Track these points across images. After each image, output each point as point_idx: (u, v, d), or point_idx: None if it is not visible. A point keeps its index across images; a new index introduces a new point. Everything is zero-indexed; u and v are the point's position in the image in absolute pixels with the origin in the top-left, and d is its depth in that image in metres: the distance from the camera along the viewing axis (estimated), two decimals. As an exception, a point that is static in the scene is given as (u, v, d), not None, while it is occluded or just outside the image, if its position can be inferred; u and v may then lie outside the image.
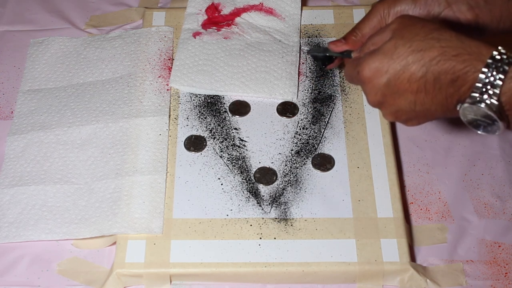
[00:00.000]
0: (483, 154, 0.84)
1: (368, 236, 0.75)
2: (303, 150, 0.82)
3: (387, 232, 0.75)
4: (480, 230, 0.78)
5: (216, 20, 0.93)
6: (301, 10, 0.95)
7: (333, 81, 0.88)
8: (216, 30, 0.92)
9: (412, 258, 0.75)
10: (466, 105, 0.60)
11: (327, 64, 0.81)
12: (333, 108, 0.85)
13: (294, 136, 0.83)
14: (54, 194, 0.78)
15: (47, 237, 0.75)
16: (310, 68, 0.89)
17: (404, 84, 0.62)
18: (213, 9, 0.94)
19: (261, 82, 0.87)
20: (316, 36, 0.93)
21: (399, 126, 0.87)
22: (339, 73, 0.89)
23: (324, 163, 0.80)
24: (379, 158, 0.80)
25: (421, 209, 0.80)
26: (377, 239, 0.74)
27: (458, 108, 0.61)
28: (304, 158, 0.81)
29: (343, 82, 0.88)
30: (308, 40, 0.92)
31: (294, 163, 0.81)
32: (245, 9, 0.94)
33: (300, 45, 0.91)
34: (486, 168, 0.83)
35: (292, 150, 0.82)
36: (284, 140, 0.83)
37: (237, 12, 0.94)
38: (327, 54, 0.79)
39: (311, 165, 0.80)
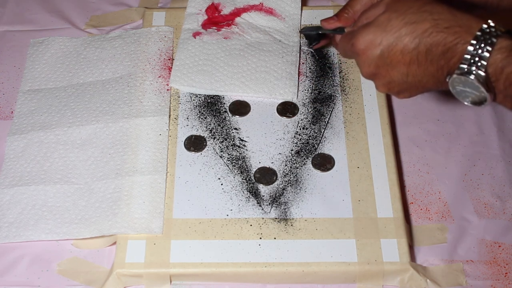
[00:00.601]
0: (483, 154, 0.84)
1: (368, 236, 0.75)
2: (303, 150, 0.82)
3: (387, 232, 0.75)
4: (480, 230, 0.78)
5: (216, 20, 0.93)
6: (301, 10, 0.95)
7: (333, 81, 0.88)
8: (216, 30, 0.92)
9: (412, 258, 0.75)
10: (454, 76, 0.61)
11: (315, 40, 0.85)
12: (333, 108, 0.85)
13: (294, 136, 0.83)
14: (54, 194, 0.78)
15: (47, 237, 0.75)
16: (310, 68, 0.89)
17: (397, 56, 0.64)
18: (213, 9, 0.94)
19: (261, 82, 0.87)
20: (316, 36, 0.93)
21: (399, 126, 0.87)
22: (339, 73, 0.89)
23: (324, 163, 0.80)
24: (379, 158, 0.80)
25: (421, 209, 0.80)
26: (377, 239, 0.74)
27: (447, 80, 0.62)
28: (304, 158, 0.81)
29: (343, 82, 0.88)
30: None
31: (294, 163, 0.81)
32: (245, 9, 0.94)
33: (300, 45, 0.91)
34: (486, 168, 0.83)
35: (292, 150, 0.82)
36: (284, 140, 0.83)
37: (237, 12, 0.94)
38: (320, 32, 0.82)
39: (311, 165, 0.80)
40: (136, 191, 0.77)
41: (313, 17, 0.95)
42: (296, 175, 0.80)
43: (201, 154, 0.82)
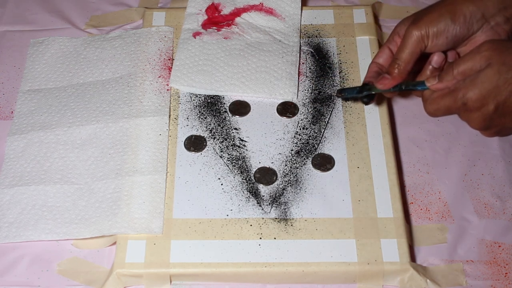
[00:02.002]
0: (483, 154, 0.84)
1: (368, 236, 0.75)
2: (303, 150, 0.82)
3: (387, 232, 0.75)
4: (480, 230, 0.78)
5: (216, 20, 0.93)
6: (301, 10, 0.95)
7: (333, 81, 0.88)
8: (216, 30, 0.92)
9: (412, 258, 0.75)
10: None
11: (369, 101, 0.77)
12: (333, 108, 0.85)
13: (294, 136, 0.83)
14: (54, 194, 0.78)
15: (47, 237, 0.75)
16: (310, 68, 0.89)
17: (510, 107, 0.65)
18: (213, 9, 0.94)
19: (261, 82, 0.87)
20: (316, 36, 0.93)
21: (399, 126, 0.87)
22: (339, 73, 0.89)
23: (324, 163, 0.80)
24: (379, 158, 0.80)
25: (421, 209, 0.80)
26: (377, 239, 0.74)
27: None
28: (304, 158, 0.81)
29: (343, 82, 0.88)
30: (308, 40, 0.92)
31: (294, 163, 0.81)
32: (245, 9, 0.94)
33: (300, 45, 0.91)
34: (486, 168, 0.83)
35: (292, 150, 0.82)
36: (284, 140, 0.83)
37: (237, 12, 0.94)
38: (373, 92, 0.75)
39: (311, 165, 0.80)
40: (136, 191, 0.77)
41: (313, 17, 0.95)
42: (296, 175, 0.80)
43: (201, 154, 0.82)
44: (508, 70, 0.64)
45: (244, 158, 0.81)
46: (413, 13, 0.74)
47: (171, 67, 0.89)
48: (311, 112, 0.85)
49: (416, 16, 0.72)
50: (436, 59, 0.71)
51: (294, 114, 0.85)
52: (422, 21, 0.70)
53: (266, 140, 0.83)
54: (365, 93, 0.75)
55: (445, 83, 0.69)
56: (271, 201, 0.78)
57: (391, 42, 0.75)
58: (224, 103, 0.86)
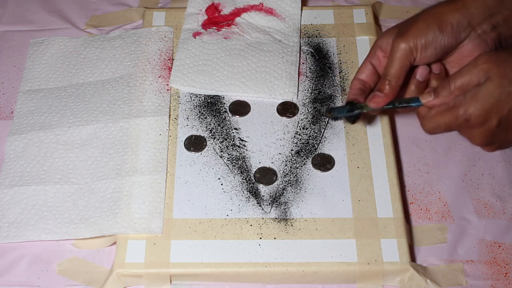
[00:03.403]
0: (483, 154, 0.84)
1: (368, 236, 0.75)
2: (303, 150, 0.82)
3: (387, 232, 0.75)
4: (480, 230, 0.78)
5: (216, 20, 0.93)
6: (301, 10, 0.95)
7: (333, 81, 0.88)
8: (216, 30, 0.92)
9: (412, 258, 0.75)
10: None
11: (355, 120, 0.72)
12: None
13: (294, 136, 0.83)
14: (54, 194, 0.78)
15: (47, 237, 0.75)
16: (310, 68, 0.89)
17: None
18: (213, 9, 0.94)
19: (261, 82, 0.87)
20: (316, 36, 0.93)
21: (399, 126, 0.87)
22: (339, 73, 0.89)
23: (324, 163, 0.80)
24: (379, 158, 0.80)
25: (421, 209, 0.80)
26: (377, 239, 0.74)
27: None
28: (304, 158, 0.81)
29: (343, 82, 0.88)
30: (308, 40, 0.92)
31: (294, 163, 0.81)
32: (245, 9, 0.94)
33: (300, 45, 0.91)
34: (486, 168, 0.83)
35: (292, 150, 0.82)
36: (284, 140, 0.83)
37: (237, 12, 0.94)
38: (364, 111, 0.70)
39: (311, 165, 0.80)
40: (136, 191, 0.77)
41: (313, 17, 0.95)
42: (296, 175, 0.80)
43: (201, 154, 0.82)
44: (510, 84, 0.62)
45: (244, 158, 0.81)
46: (395, 26, 0.71)
47: (171, 67, 0.89)
48: (311, 112, 0.85)
49: (400, 29, 0.69)
50: (421, 72, 0.69)
51: (294, 114, 0.85)
52: (409, 33, 0.67)
53: (266, 140, 0.83)
54: (356, 112, 0.70)
55: (442, 99, 0.66)
56: (271, 201, 0.78)
57: (373, 56, 0.72)
58: (224, 103, 0.86)
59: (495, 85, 0.62)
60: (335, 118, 0.74)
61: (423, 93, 0.68)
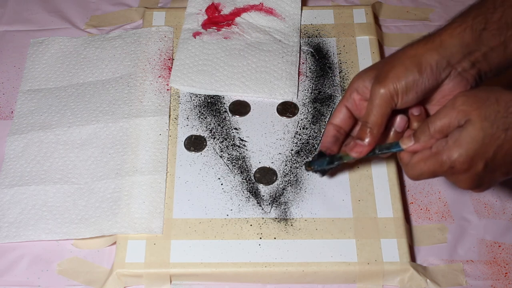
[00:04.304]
0: (483, 154, 0.84)
1: (368, 236, 0.75)
2: (303, 150, 0.82)
3: (387, 232, 0.75)
4: (480, 230, 0.78)
5: (216, 20, 0.93)
6: (301, 10, 0.95)
7: (333, 81, 0.88)
8: (216, 30, 0.92)
9: (412, 258, 0.75)
10: None
11: (329, 170, 0.71)
12: (333, 108, 0.85)
13: (294, 136, 0.83)
14: (54, 194, 0.78)
15: (47, 237, 0.75)
16: (310, 68, 0.89)
17: (499, 162, 0.61)
18: (213, 9, 0.94)
19: (261, 82, 0.87)
20: (316, 36, 0.93)
21: (399, 126, 0.87)
22: (339, 73, 0.89)
23: (324, 163, 0.80)
24: (379, 158, 0.80)
25: (421, 209, 0.80)
26: (377, 239, 0.74)
27: None
28: (304, 158, 0.81)
29: (343, 82, 0.88)
30: (308, 40, 0.92)
31: (294, 163, 0.81)
32: (245, 9, 0.94)
33: (300, 45, 0.91)
34: (486, 168, 0.83)
35: (292, 150, 0.82)
36: (284, 140, 0.83)
37: (237, 12, 0.94)
38: (345, 161, 0.68)
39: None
40: (136, 191, 0.77)
41: (313, 17, 0.95)
42: (296, 175, 0.80)
43: (201, 154, 0.82)
44: (491, 125, 0.59)
45: (244, 158, 0.81)
46: (370, 67, 0.68)
47: (171, 67, 0.89)
48: (311, 112, 0.85)
49: (378, 73, 0.65)
50: (399, 123, 0.67)
51: (294, 114, 0.85)
52: (388, 78, 0.64)
53: (266, 140, 0.83)
54: (336, 164, 0.69)
55: (422, 144, 0.63)
56: (271, 201, 0.78)
57: (349, 100, 0.69)
58: (224, 103, 0.86)
59: (477, 129, 0.60)
60: (315, 171, 0.71)
61: (403, 138, 0.66)
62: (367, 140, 0.66)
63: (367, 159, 0.73)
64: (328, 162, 0.69)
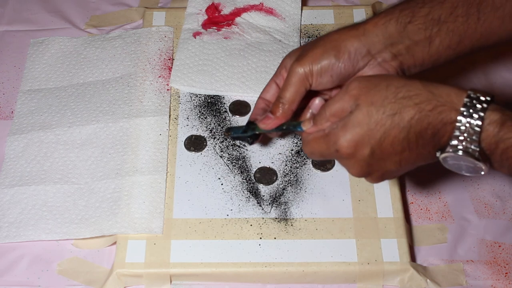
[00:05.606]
0: (483, 154, 0.84)
1: (368, 236, 0.75)
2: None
3: (387, 232, 0.75)
4: (480, 230, 0.78)
5: (216, 20, 0.93)
6: (301, 10, 0.95)
7: (333, 81, 0.88)
8: (216, 30, 0.92)
9: (412, 258, 0.75)
10: (446, 154, 0.59)
11: (253, 141, 0.73)
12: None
13: (294, 136, 0.83)
14: (54, 194, 0.78)
15: (47, 237, 0.75)
16: (310, 68, 0.89)
17: (387, 149, 0.60)
18: (213, 9, 0.94)
19: (261, 82, 0.87)
20: (316, 36, 0.93)
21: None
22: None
23: (324, 163, 0.80)
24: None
25: (421, 209, 0.80)
26: (377, 239, 0.74)
27: (438, 155, 0.60)
28: (304, 158, 0.81)
29: (343, 82, 0.88)
30: (308, 40, 0.92)
31: (294, 163, 0.81)
32: (245, 9, 0.94)
33: (301, 45, 0.91)
34: (486, 168, 0.83)
35: (292, 150, 0.82)
36: (284, 140, 0.83)
37: (237, 12, 0.94)
38: (257, 132, 0.70)
39: (311, 165, 0.80)
40: (136, 191, 0.77)
41: (313, 17, 0.95)
42: (296, 175, 0.80)
43: (201, 154, 0.82)
44: (377, 111, 0.59)
45: (244, 158, 0.81)
46: (301, 47, 0.69)
47: (171, 67, 0.89)
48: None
49: (301, 52, 0.66)
50: (316, 105, 0.66)
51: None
52: (305, 58, 0.65)
53: (266, 140, 0.83)
54: (249, 133, 0.70)
55: (318, 126, 0.64)
56: (271, 201, 0.78)
57: (278, 76, 0.70)
58: (224, 103, 0.86)
59: (363, 113, 0.59)
60: (233, 138, 0.71)
61: (305, 120, 0.66)
62: (277, 114, 0.67)
63: (283, 134, 0.73)
64: (243, 131, 0.70)
